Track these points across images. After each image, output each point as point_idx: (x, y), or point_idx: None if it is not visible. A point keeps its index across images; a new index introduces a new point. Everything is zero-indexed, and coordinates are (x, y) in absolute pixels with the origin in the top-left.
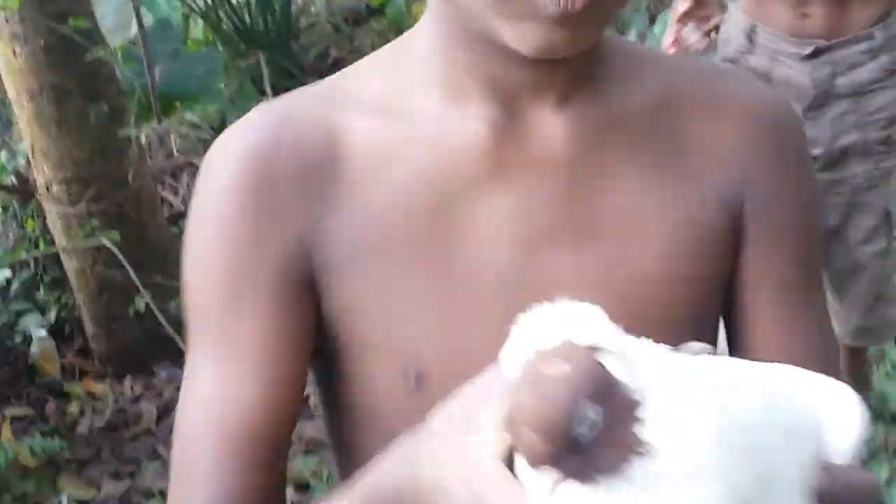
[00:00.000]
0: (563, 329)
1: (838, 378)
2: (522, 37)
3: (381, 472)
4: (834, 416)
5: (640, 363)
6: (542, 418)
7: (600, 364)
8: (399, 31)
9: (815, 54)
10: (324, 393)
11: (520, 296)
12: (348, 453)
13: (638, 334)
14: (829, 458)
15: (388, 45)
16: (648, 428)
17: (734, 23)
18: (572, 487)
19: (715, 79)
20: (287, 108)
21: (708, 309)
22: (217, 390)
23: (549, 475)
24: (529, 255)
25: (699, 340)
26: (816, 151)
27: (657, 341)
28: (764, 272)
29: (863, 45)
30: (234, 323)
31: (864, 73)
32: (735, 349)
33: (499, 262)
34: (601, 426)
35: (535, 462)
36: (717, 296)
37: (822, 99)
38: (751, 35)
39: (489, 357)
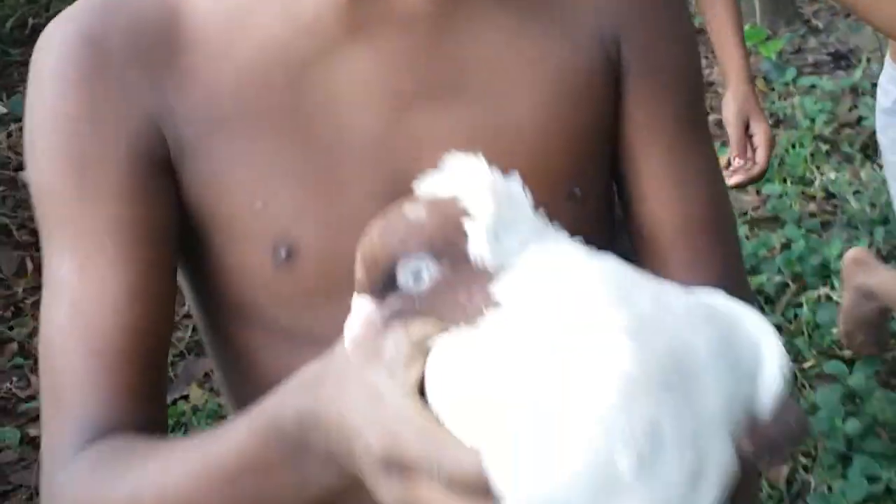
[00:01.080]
0: (467, 185)
1: (732, 231)
2: None
3: (281, 400)
4: (765, 357)
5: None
6: (369, 249)
7: (463, 229)
8: None
9: None
10: (194, 287)
11: (388, 160)
12: (226, 348)
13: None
14: (758, 400)
15: None
16: (502, 301)
17: (889, 73)
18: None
19: None
20: None
21: (593, 161)
22: (82, 284)
23: (365, 302)
24: (395, 117)
25: (586, 198)
26: None
27: (536, 199)
28: (650, 115)
29: None
30: (88, 211)
31: None
32: (625, 200)
33: (363, 126)
34: (438, 280)
35: (357, 288)
36: (600, 147)
37: None
38: None
39: (357, 226)
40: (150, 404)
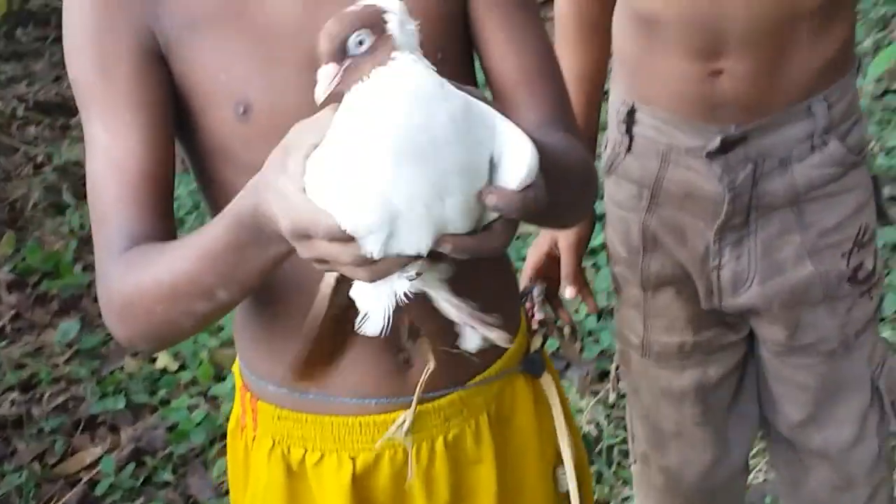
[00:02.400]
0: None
1: (560, 81)
2: None
3: (240, 201)
4: (513, 152)
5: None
6: (331, 29)
7: (383, 16)
8: None
9: (724, 148)
10: (186, 144)
11: (309, 41)
12: (211, 186)
13: None
14: (503, 182)
15: None
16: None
17: (612, 108)
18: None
19: None
20: None
21: (451, 31)
22: (111, 141)
23: (328, 67)
24: (311, 12)
25: (448, 59)
26: (746, 301)
27: None
28: (490, 2)
29: (798, 128)
30: (111, 88)
31: (807, 170)
32: (480, 61)
33: (291, 18)
34: (370, 46)
35: (321, 59)
36: (454, 22)
37: (743, 214)
38: (629, 123)
39: (292, 87)
40: (164, 222)
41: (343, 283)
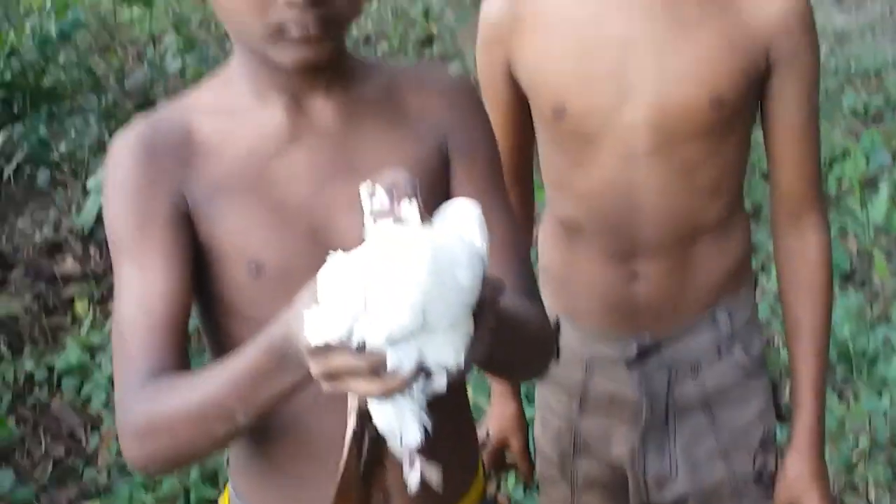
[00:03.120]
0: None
1: (525, 255)
2: (283, 55)
3: (273, 327)
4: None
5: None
6: (375, 182)
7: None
8: None
9: (641, 356)
10: (197, 295)
11: (316, 213)
12: (219, 337)
13: None
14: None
15: (213, 74)
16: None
17: None
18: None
19: (420, 70)
20: (157, 116)
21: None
22: (141, 287)
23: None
24: (318, 189)
25: None
26: (669, 496)
27: None
28: (469, 180)
29: (705, 336)
30: (146, 240)
31: (716, 375)
32: None
33: (300, 193)
34: (387, 206)
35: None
36: (443, 201)
37: (662, 417)
38: (555, 335)
39: (301, 252)
40: (183, 358)
41: (364, 425)
